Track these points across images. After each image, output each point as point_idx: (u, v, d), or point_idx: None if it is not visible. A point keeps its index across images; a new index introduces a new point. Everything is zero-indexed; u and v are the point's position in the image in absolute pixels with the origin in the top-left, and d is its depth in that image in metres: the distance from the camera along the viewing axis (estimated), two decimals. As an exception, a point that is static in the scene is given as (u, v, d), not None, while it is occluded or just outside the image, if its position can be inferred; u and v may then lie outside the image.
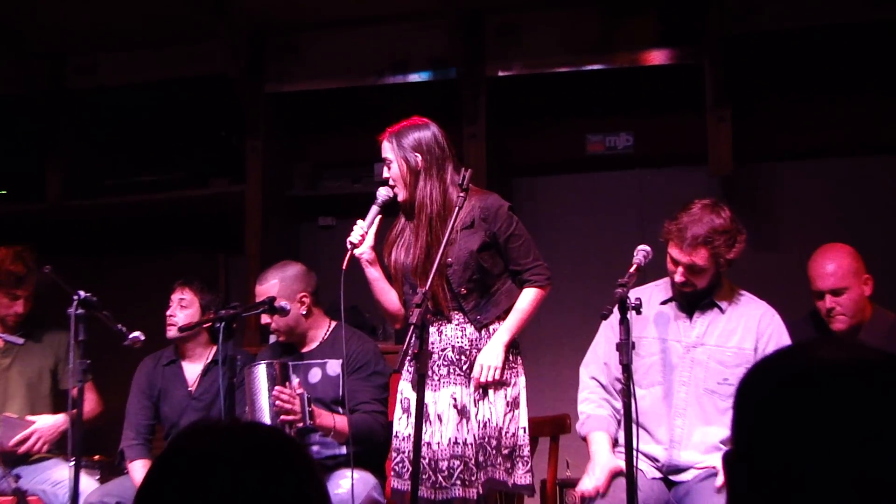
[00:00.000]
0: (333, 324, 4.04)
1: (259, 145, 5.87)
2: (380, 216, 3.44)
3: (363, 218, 3.48)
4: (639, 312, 3.20)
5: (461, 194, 3.16)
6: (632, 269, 3.31)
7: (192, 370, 4.46)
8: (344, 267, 3.30)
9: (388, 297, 3.55)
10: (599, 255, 5.75)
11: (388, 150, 3.47)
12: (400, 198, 3.47)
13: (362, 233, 3.42)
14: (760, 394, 1.21)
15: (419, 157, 3.39)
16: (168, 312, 4.41)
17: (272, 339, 4.27)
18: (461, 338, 3.39)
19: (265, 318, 4.01)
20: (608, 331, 3.62)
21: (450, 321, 3.39)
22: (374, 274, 3.51)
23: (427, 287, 2.98)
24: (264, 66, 5.91)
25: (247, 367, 3.77)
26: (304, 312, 4.01)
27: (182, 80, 5.98)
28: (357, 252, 3.42)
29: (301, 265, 4.10)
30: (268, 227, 5.90)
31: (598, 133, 5.87)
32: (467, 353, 3.38)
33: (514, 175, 6.04)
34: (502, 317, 3.43)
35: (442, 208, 3.34)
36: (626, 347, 3.11)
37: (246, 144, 5.93)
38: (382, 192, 3.47)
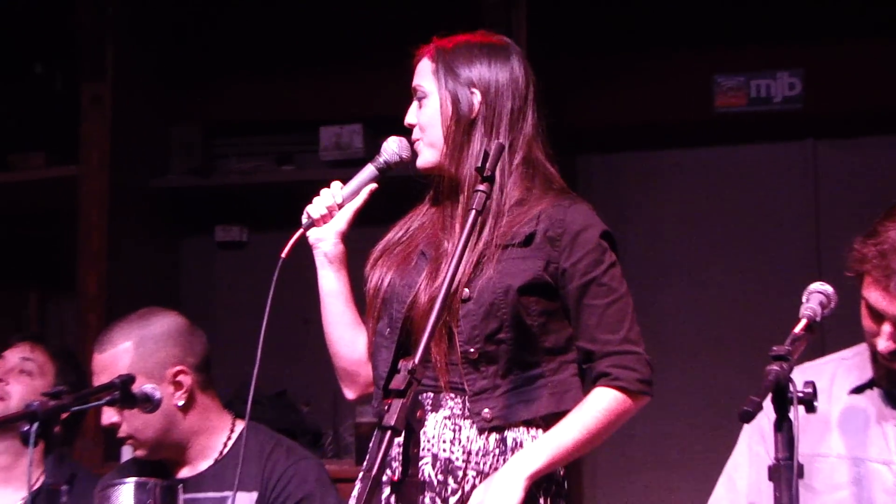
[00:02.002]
0: (239, 424, 3.52)
1: (105, 93, 5.18)
2: (374, 186, 2.88)
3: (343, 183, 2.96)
4: (812, 409, 2.53)
5: (480, 186, 2.55)
6: (798, 328, 2.61)
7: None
8: (283, 255, 2.76)
9: (348, 335, 2.86)
10: (737, 295, 5.14)
11: (426, 73, 2.84)
12: (425, 163, 2.81)
13: (333, 203, 2.85)
14: None
15: (477, 100, 2.79)
16: None
17: (126, 453, 3.97)
18: (451, 443, 2.72)
19: (109, 416, 3.40)
20: (755, 441, 3.06)
21: (437, 407, 2.73)
22: (332, 283, 2.88)
23: (424, 343, 2.31)
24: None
25: (99, 488, 3.19)
26: (182, 403, 3.41)
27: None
28: (313, 237, 2.83)
29: (176, 316, 3.55)
30: (119, 245, 5.19)
31: (735, 73, 5.15)
32: (459, 473, 2.71)
33: (578, 148, 5.38)
34: (538, 425, 2.72)
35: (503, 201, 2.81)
36: (788, 474, 2.47)
37: (81, 91, 5.20)
38: (392, 147, 2.87)
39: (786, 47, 5.19)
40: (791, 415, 2.57)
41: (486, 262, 2.76)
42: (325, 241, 2.90)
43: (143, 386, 3.28)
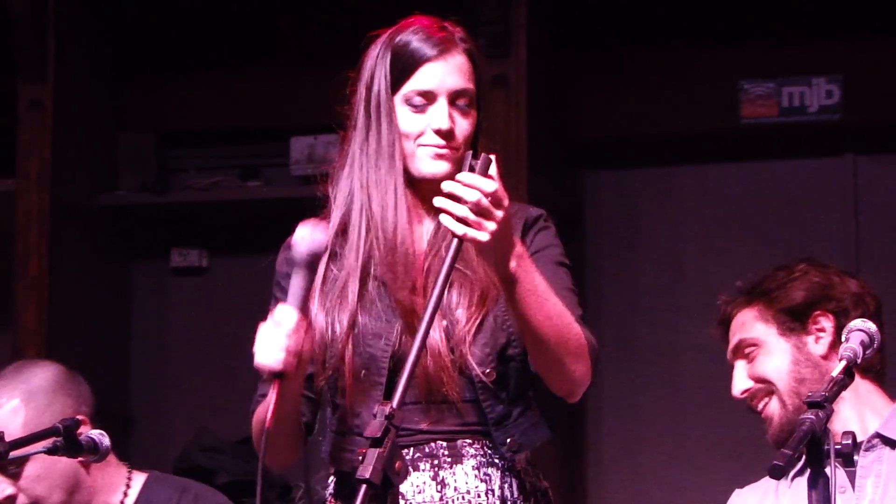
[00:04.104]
0: (136, 476, 3.29)
1: (45, 95, 5.07)
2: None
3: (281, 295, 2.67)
4: (851, 463, 2.71)
5: None
6: (837, 371, 2.47)
7: None
8: (268, 425, 2.48)
9: (291, 417, 2.65)
10: None
11: (468, 74, 2.67)
12: (441, 174, 2.64)
13: (289, 345, 2.50)
14: None
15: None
16: None
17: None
18: (486, 495, 2.62)
19: (2, 489, 3.18)
20: (785, 499, 2.96)
21: (459, 457, 2.66)
22: (296, 392, 2.64)
23: (405, 378, 2.24)
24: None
25: None
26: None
27: None
28: (285, 381, 2.55)
29: (54, 365, 3.35)
30: (61, 270, 5.07)
31: (765, 79, 5.05)
32: None
33: (586, 163, 5.25)
34: (535, 467, 2.77)
35: None
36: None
37: (18, 94, 5.10)
38: (310, 237, 2.61)
39: (822, 49, 5.03)
40: (828, 468, 2.37)
41: (476, 277, 2.74)
42: (298, 376, 2.65)
43: (88, 432, 3.11)
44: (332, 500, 2.71)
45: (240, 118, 5.24)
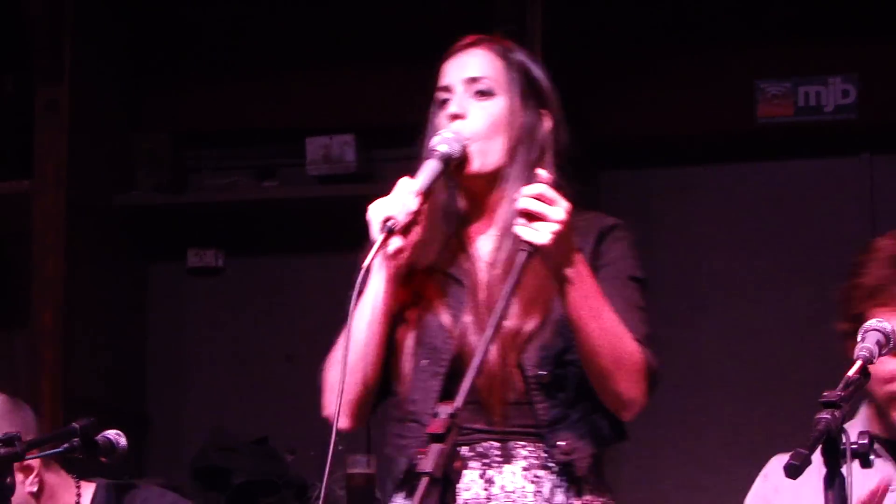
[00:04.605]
0: (84, 486, 3.46)
1: (62, 96, 5.06)
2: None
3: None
4: (867, 463, 2.39)
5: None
6: (852, 371, 2.48)
7: None
8: (367, 264, 2.59)
9: (377, 361, 2.72)
10: (782, 331, 4.99)
11: (490, 66, 2.78)
12: (481, 168, 2.74)
13: (413, 208, 2.66)
14: None
15: (547, 127, 2.79)
16: None
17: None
18: (534, 496, 2.68)
19: None
20: (803, 495, 2.87)
21: (509, 457, 2.72)
22: (389, 301, 2.74)
23: (470, 379, 2.33)
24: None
25: None
26: (36, 489, 3.39)
27: None
28: (392, 246, 2.65)
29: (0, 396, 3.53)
30: (78, 271, 5.04)
31: (781, 78, 5.06)
32: None
33: (602, 163, 5.21)
34: (599, 476, 2.77)
35: None
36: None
37: (35, 95, 5.08)
38: (453, 137, 2.68)
39: (838, 49, 5.04)
40: (844, 468, 2.40)
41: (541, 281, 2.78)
42: (405, 252, 2.76)
43: (104, 432, 3.15)
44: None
45: (256, 118, 5.26)
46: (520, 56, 2.88)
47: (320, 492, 4.79)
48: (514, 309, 2.72)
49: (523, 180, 2.74)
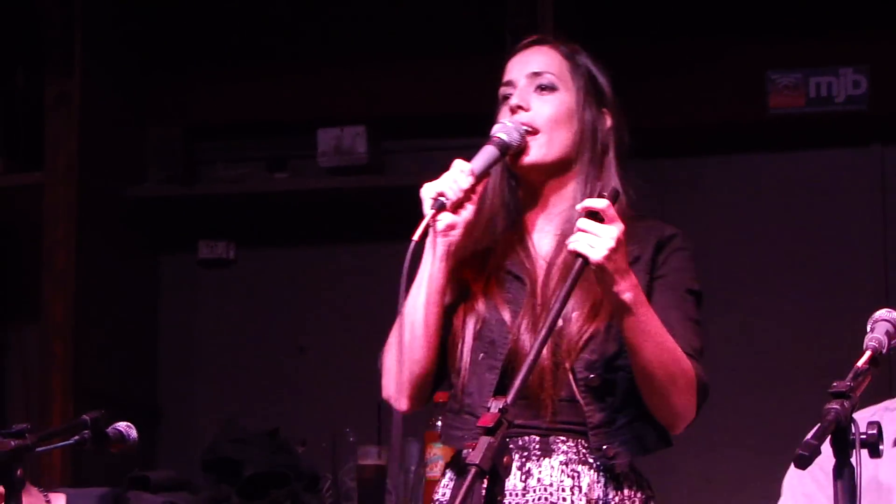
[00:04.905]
0: (54, 498, 3.35)
1: (73, 88, 5.09)
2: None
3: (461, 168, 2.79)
4: (876, 453, 2.43)
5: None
6: (861, 362, 2.53)
7: None
8: (416, 237, 2.67)
9: (434, 340, 2.82)
10: (792, 323, 4.99)
11: (554, 63, 2.85)
12: (542, 159, 2.78)
13: (464, 186, 2.71)
14: None
15: (608, 125, 2.89)
16: None
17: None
18: (571, 491, 2.73)
19: None
20: (810, 485, 2.94)
21: (548, 452, 2.79)
22: (443, 280, 2.77)
23: (520, 381, 2.40)
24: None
25: None
26: None
27: None
28: (443, 223, 2.71)
29: None
30: (89, 263, 5.07)
31: (792, 69, 5.04)
32: None
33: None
34: (642, 481, 2.81)
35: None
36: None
37: (45, 87, 5.13)
38: (513, 126, 2.75)
39: (850, 40, 5.01)
40: (853, 458, 2.45)
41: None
42: (457, 230, 2.82)
43: (115, 424, 3.14)
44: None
45: (267, 110, 5.26)
46: (583, 57, 2.94)
47: (332, 483, 4.90)
48: (570, 311, 2.76)
49: (585, 176, 2.82)
